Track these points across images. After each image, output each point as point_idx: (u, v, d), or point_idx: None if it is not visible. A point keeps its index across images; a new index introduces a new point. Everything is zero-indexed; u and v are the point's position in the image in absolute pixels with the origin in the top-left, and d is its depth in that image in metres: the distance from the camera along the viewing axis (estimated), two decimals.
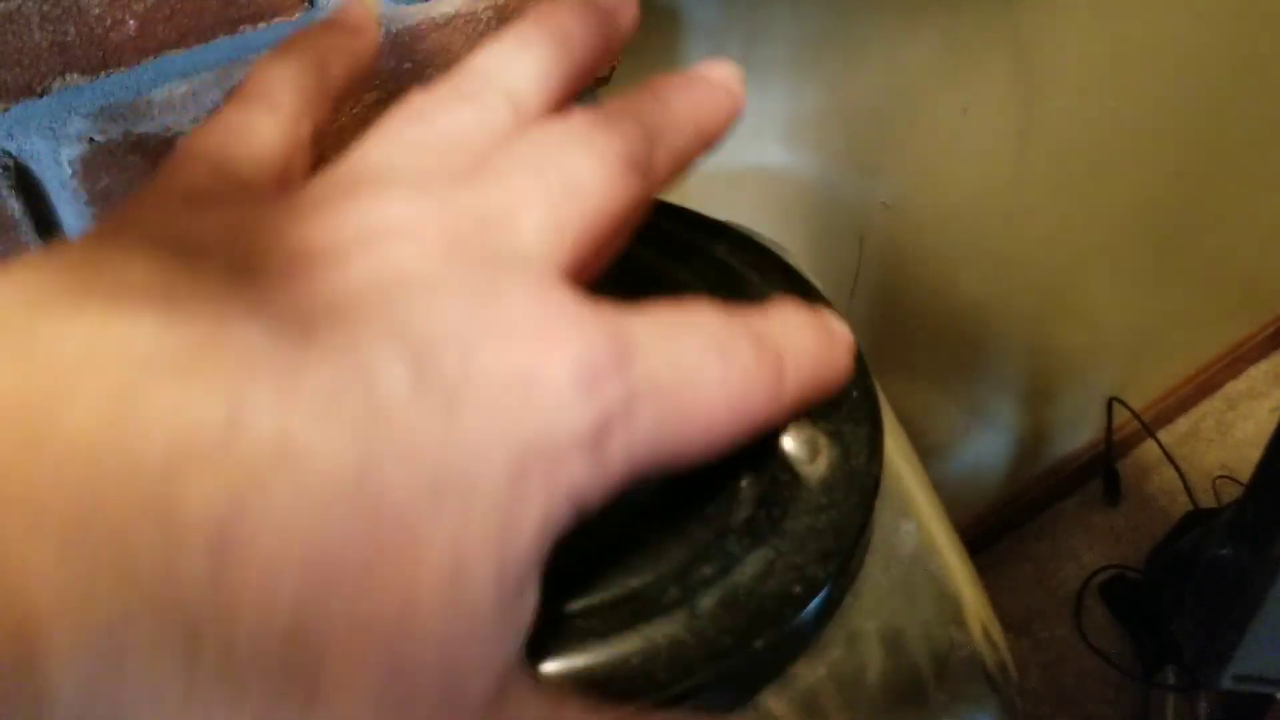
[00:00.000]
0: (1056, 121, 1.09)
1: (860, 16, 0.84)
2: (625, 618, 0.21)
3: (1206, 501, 1.59)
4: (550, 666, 0.21)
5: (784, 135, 0.87)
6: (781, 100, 0.84)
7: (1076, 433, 1.63)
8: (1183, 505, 1.59)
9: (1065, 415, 1.58)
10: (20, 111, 0.39)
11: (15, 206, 0.40)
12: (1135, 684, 1.44)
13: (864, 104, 0.90)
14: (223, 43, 0.41)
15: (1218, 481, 1.61)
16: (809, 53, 0.82)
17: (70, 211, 0.42)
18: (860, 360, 0.26)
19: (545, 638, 0.21)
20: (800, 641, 0.23)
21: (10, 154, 0.39)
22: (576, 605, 0.21)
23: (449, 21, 0.47)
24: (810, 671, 0.23)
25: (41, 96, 0.39)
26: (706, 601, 0.22)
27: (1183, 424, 1.74)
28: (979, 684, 0.25)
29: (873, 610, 0.24)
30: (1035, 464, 1.60)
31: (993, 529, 1.58)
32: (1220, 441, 1.72)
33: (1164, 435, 1.69)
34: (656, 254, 0.32)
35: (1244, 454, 1.71)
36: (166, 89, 0.41)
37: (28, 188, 0.40)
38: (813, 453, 0.24)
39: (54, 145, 0.40)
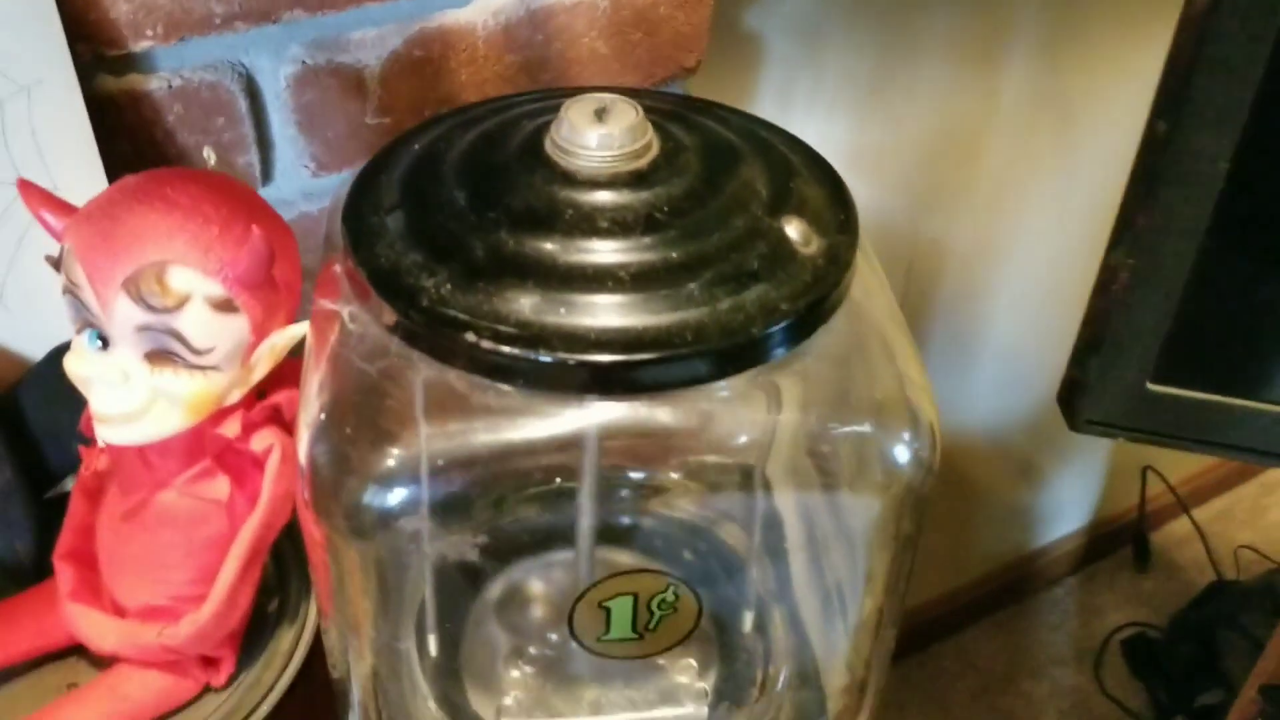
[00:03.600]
0: (1096, 177, 1.18)
1: (919, 62, 0.95)
2: None
3: (1231, 574, 1.65)
4: None
5: (845, 164, 0.97)
6: (845, 132, 0.94)
7: (1114, 497, 1.70)
8: (1208, 577, 1.65)
9: (1103, 477, 1.65)
10: (255, 34, 0.52)
11: (242, 105, 0.53)
12: None
13: (921, 143, 1.00)
14: (407, 2, 0.55)
15: (1239, 550, 1.66)
16: (873, 90, 0.93)
17: (278, 117, 0.55)
18: (846, 193, 0.38)
19: None
20: (785, 339, 0.34)
21: (244, 64, 0.53)
22: None
23: (574, 6, 0.60)
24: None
25: (274, 24, 0.52)
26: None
27: (1217, 504, 1.80)
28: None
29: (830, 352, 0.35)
30: (1070, 522, 1.66)
31: (1024, 581, 1.64)
32: (1251, 524, 1.77)
33: (1198, 513, 1.74)
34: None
35: (1274, 536, 1.76)
36: (361, 32, 0.55)
37: (252, 93, 0.54)
38: (806, 241, 0.35)
39: (275, 63, 0.54)
